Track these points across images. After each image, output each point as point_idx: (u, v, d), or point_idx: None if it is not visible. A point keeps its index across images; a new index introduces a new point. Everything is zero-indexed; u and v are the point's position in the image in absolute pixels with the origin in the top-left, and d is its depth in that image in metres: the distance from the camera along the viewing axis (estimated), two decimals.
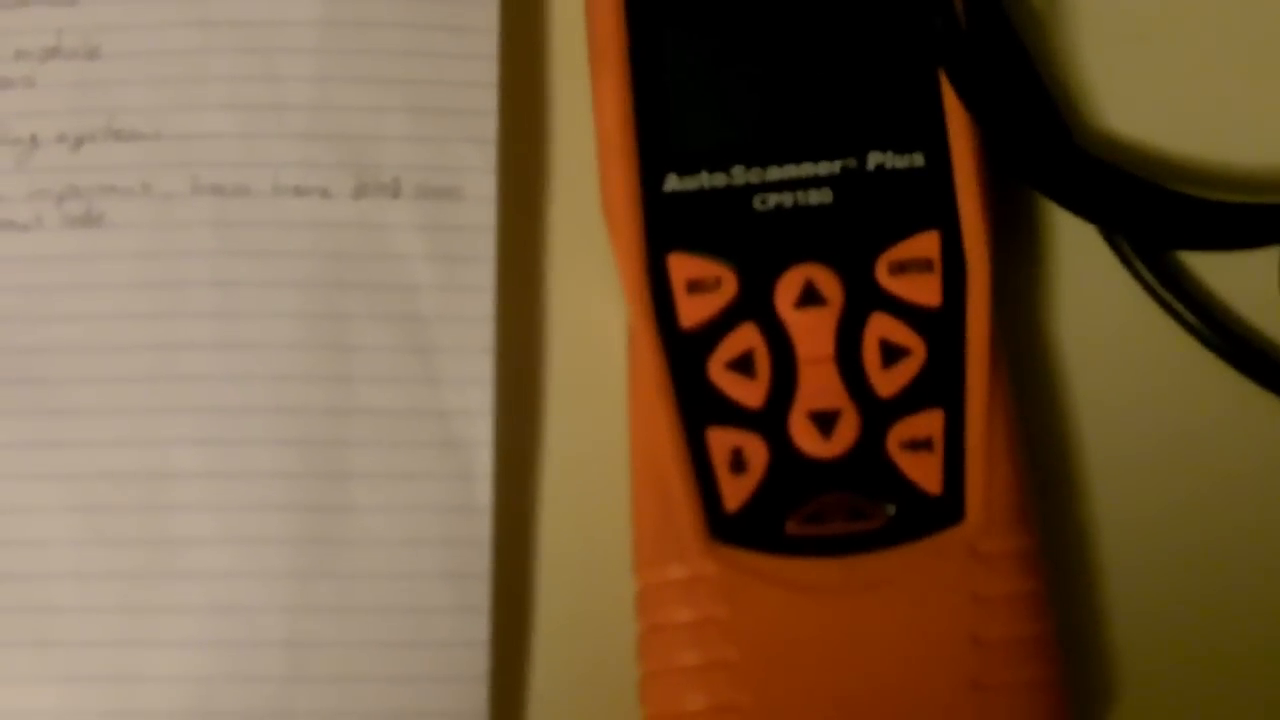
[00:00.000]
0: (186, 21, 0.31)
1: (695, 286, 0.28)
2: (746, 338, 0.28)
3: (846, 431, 0.28)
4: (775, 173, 0.29)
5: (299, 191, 0.30)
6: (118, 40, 0.31)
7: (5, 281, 0.30)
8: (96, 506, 0.29)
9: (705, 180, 0.29)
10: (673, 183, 0.29)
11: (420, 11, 0.31)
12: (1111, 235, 0.30)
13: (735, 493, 0.27)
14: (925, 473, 0.27)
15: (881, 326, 0.28)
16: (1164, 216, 0.29)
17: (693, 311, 0.28)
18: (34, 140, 0.31)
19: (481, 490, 0.29)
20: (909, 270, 0.28)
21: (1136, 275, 0.30)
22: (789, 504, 0.27)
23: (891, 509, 0.27)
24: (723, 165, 0.29)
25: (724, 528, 0.27)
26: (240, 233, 0.30)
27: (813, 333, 0.28)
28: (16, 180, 0.30)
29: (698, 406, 0.28)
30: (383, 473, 0.29)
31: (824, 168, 0.29)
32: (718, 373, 0.28)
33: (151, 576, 0.29)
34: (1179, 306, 0.30)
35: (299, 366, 0.29)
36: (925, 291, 0.28)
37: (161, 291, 0.30)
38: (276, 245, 0.30)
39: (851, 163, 0.29)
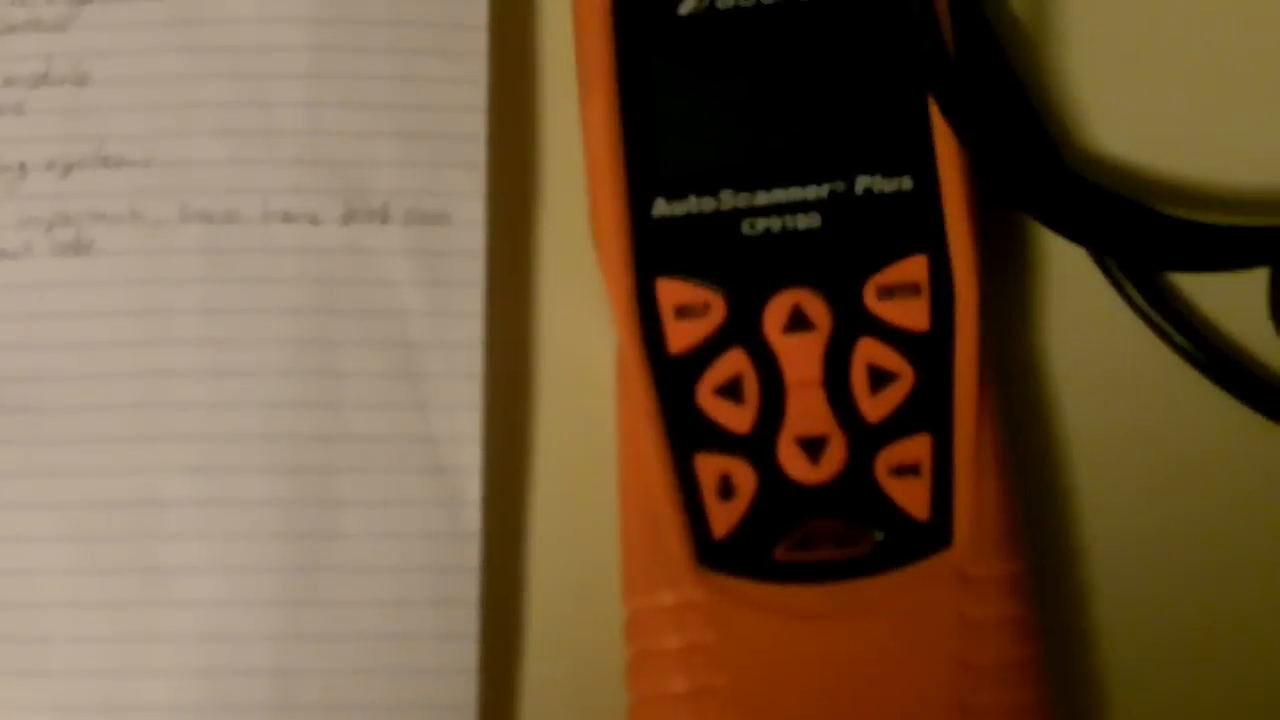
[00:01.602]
0: (176, 48, 0.31)
1: (683, 311, 0.28)
2: (735, 363, 0.28)
3: (834, 457, 0.28)
4: (763, 197, 0.29)
5: (288, 218, 0.30)
6: (107, 67, 0.31)
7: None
8: (86, 535, 0.29)
9: (693, 205, 0.29)
10: (661, 207, 0.29)
11: (409, 37, 0.31)
12: (1100, 257, 0.30)
13: (723, 519, 0.27)
14: (913, 498, 0.27)
15: (869, 351, 0.28)
16: (1153, 238, 0.29)
17: (681, 337, 0.28)
18: (23, 167, 0.31)
19: (470, 516, 0.29)
20: (897, 294, 0.28)
21: (1125, 297, 0.30)
22: (777, 530, 0.27)
23: (879, 535, 0.27)
24: (711, 190, 0.29)
25: (712, 554, 0.27)
26: (230, 259, 0.30)
27: (801, 358, 0.28)
28: (6, 207, 0.30)
29: (686, 432, 0.28)
30: (372, 499, 0.29)
31: (812, 192, 0.29)
32: (706, 398, 0.28)
33: (141, 605, 0.29)
34: (1168, 328, 0.30)
35: (288, 393, 0.29)
36: (913, 316, 0.28)
37: (151, 318, 0.30)
38: (266, 271, 0.30)
39: (839, 187, 0.29)
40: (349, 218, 0.30)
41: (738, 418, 0.28)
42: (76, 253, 0.30)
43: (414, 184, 0.30)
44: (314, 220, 0.30)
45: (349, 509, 0.29)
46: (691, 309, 0.28)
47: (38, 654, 0.28)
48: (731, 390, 0.28)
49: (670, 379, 0.28)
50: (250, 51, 0.31)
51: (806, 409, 0.28)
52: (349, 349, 0.30)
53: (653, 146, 0.29)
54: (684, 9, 0.30)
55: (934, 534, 0.27)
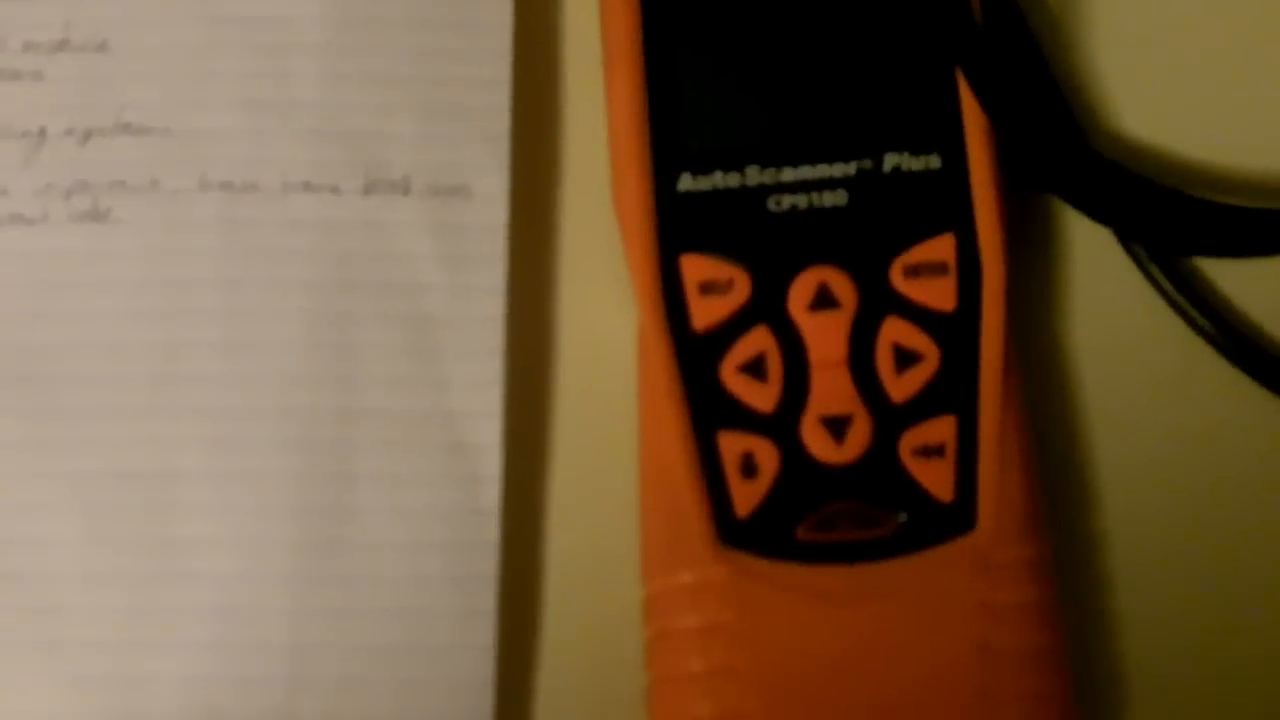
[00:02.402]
0: (196, 17, 0.31)
1: (707, 288, 0.28)
2: (759, 341, 0.28)
3: (858, 437, 0.27)
4: (790, 174, 0.28)
5: (308, 188, 0.30)
6: (127, 34, 0.31)
7: (11, 277, 0.30)
8: (101, 506, 0.29)
9: (719, 180, 0.29)
10: (686, 183, 0.29)
11: (432, 8, 0.31)
12: (1127, 240, 0.30)
13: (746, 498, 0.27)
14: (937, 480, 0.27)
15: (895, 330, 0.28)
16: (1180, 221, 0.29)
17: (705, 313, 0.28)
18: (42, 134, 0.30)
19: (489, 493, 0.29)
20: (923, 274, 0.28)
21: (1151, 280, 0.30)
22: (800, 510, 0.27)
23: (903, 516, 0.27)
24: (737, 165, 0.29)
25: (734, 533, 0.27)
26: (248, 230, 0.30)
27: (826, 336, 0.28)
28: (24, 174, 0.30)
29: (708, 410, 0.28)
30: (389, 475, 0.29)
31: (839, 169, 0.28)
32: (729, 376, 0.28)
33: (157, 578, 0.28)
34: (1194, 312, 0.30)
35: (306, 367, 0.29)
36: (940, 295, 0.28)
37: (168, 289, 0.30)
38: (284, 243, 0.30)
39: (867, 164, 0.28)
40: (370, 189, 0.30)
41: (761, 396, 0.28)
42: (94, 220, 0.30)
43: (436, 157, 0.30)
44: (335, 191, 0.30)
45: (366, 484, 0.29)
46: (716, 285, 0.28)
47: (53, 625, 0.28)
48: (755, 368, 0.28)
49: (693, 356, 0.28)
50: (271, 21, 0.31)
51: (831, 388, 0.27)
52: (367, 323, 0.29)
53: (678, 121, 0.29)
54: None
55: (957, 516, 0.27)
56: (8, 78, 0.31)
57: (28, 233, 0.30)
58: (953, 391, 0.27)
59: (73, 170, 0.30)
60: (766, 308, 0.28)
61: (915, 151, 0.28)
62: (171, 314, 0.29)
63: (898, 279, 0.28)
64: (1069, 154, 0.29)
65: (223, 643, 0.28)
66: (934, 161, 0.28)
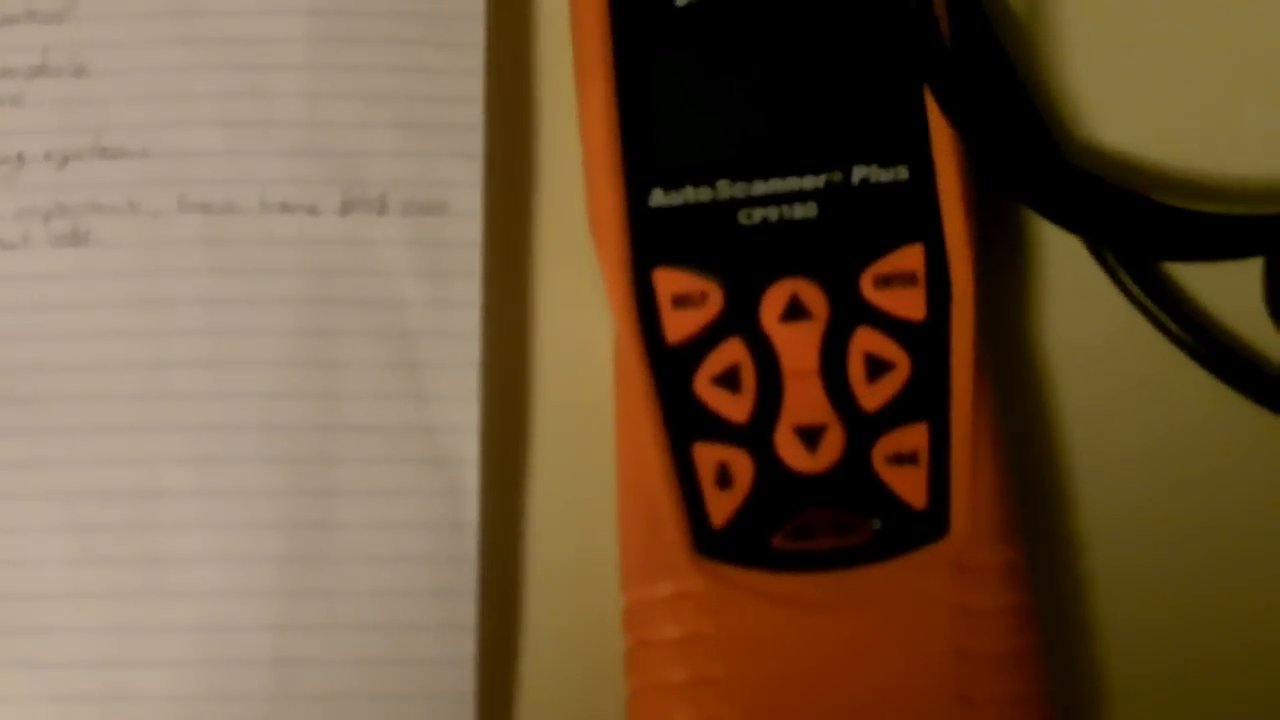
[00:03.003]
0: (174, 39, 0.31)
1: (681, 301, 0.28)
2: (732, 352, 0.28)
3: (832, 446, 0.28)
4: (760, 187, 0.29)
5: (286, 208, 0.30)
6: (105, 58, 0.31)
7: None
8: (85, 525, 0.29)
9: (690, 195, 0.29)
10: (658, 197, 0.29)
11: (407, 28, 0.31)
12: (1097, 246, 0.30)
13: (721, 508, 0.28)
14: (910, 486, 0.27)
15: (866, 340, 0.28)
16: (1149, 228, 0.29)
17: (678, 326, 0.28)
18: (21, 158, 0.31)
19: (468, 506, 0.29)
20: (893, 284, 0.28)
21: (1122, 286, 0.30)
22: (775, 519, 0.27)
23: (877, 523, 0.27)
24: (708, 180, 0.29)
25: (710, 543, 0.27)
26: (228, 250, 0.30)
27: (798, 347, 0.28)
28: (3, 198, 0.30)
29: (684, 421, 0.28)
30: (370, 489, 0.29)
31: (809, 182, 0.29)
32: (704, 387, 0.28)
33: (140, 595, 0.29)
34: (1164, 317, 0.30)
35: (287, 384, 0.29)
36: (910, 305, 0.28)
37: (149, 309, 0.30)
38: (264, 262, 0.30)
39: (836, 176, 0.29)
40: (347, 208, 0.30)
41: (735, 407, 0.28)
42: (74, 243, 0.30)
43: (412, 174, 0.30)
44: (312, 211, 0.30)
45: (347, 499, 0.29)
46: (689, 298, 0.28)
47: (37, 644, 0.28)
48: (729, 380, 0.28)
49: (668, 369, 0.28)
50: (248, 42, 0.31)
51: (804, 398, 0.28)
52: (347, 339, 0.30)
53: (650, 136, 0.29)
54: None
55: (931, 522, 0.27)
56: None
57: (7, 256, 0.30)
58: (924, 399, 0.28)
59: (52, 194, 0.30)
60: (739, 320, 0.28)
61: (884, 163, 0.29)
62: (153, 333, 0.30)
63: (868, 289, 0.28)
64: (1037, 162, 0.30)
65: (206, 659, 0.28)
66: (902, 173, 0.29)
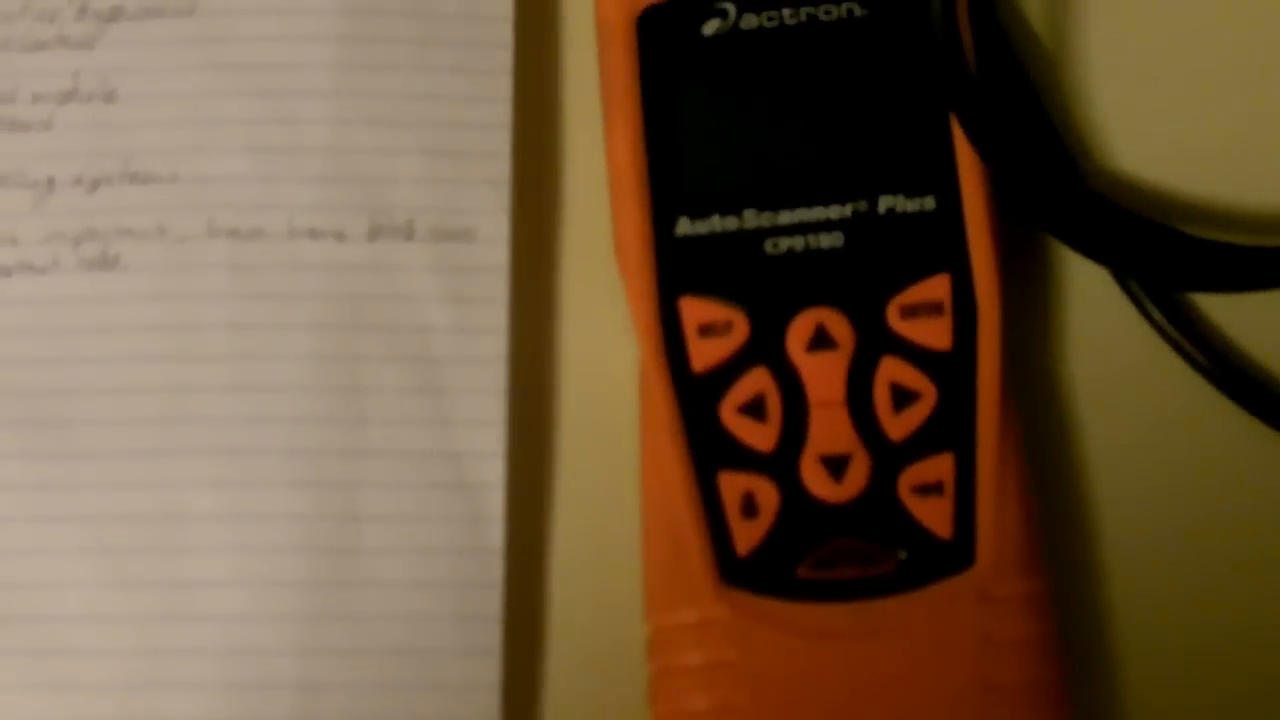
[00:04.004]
0: (203, 65, 0.31)
1: (707, 330, 0.28)
2: (758, 381, 0.28)
3: (857, 475, 0.28)
4: (786, 216, 0.29)
5: (314, 234, 0.30)
6: (134, 83, 0.31)
7: (22, 324, 0.30)
8: (112, 549, 0.29)
9: (717, 224, 0.29)
10: (684, 226, 0.29)
11: (434, 55, 0.31)
12: (1122, 277, 0.30)
13: (746, 537, 0.28)
14: (936, 517, 0.27)
15: (892, 370, 0.28)
16: (1175, 259, 0.29)
17: (704, 355, 0.28)
18: (51, 183, 0.31)
19: (493, 532, 0.29)
20: (920, 314, 0.28)
21: (1147, 316, 0.30)
22: (800, 548, 0.27)
23: (903, 554, 0.27)
24: (734, 209, 0.29)
25: (735, 572, 0.27)
26: (255, 275, 0.30)
27: (824, 376, 0.28)
28: (33, 222, 0.31)
29: (709, 450, 0.28)
30: (395, 515, 0.29)
31: (835, 211, 0.29)
32: (729, 416, 0.28)
33: (166, 618, 0.29)
34: (1190, 348, 0.30)
35: (313, 409, 0.30)
36: (936, 335, 0.28)
37: (177, 334, 0.30)
38: (291, 287, 0.30)
39: (862, 206, 0.29)
40: (374, 234, 0.30)
41: (761, 436, 0.28)
42: (103, 268, 0.30)
43: (439, 201, 0.30)
44: (340, 237, 0.30)
45: (372, 524, 0.29)
46: (714, 327, 0.28)
47: (63, 667, 0.29)
48: (755, 409, 0.28)
49: (693, 397, 0.28)
50: (276, 69, 0.31)
51: (829, 428, 0.28)
52: (373, 365, 0.30)
53: (676, 165, 0.29)
54: (708, 29, 0.30)
55: (957, 553, 0.27)
56: (17, 128, 0.31)
57: (37, 280, 0.30)
58: (950, 429, 0.28)
59: (81, 218, 0.31)
60: (765, 349, 0.28)
61: (910, 193, 0.29)
62: (180, 358, 0.30)
63: (894, 319, 0.28)
64: (1063, 192, 0.30)
65: (232, 682, 0.28)
66: (929, 203, 0.29)
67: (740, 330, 0.28)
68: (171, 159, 0.31)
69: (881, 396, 0.28)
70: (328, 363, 0.30)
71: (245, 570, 0.29)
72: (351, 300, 0.30)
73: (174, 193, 0.31)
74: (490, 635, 0.28)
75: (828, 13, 0.30)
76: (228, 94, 0.31)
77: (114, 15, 0.32)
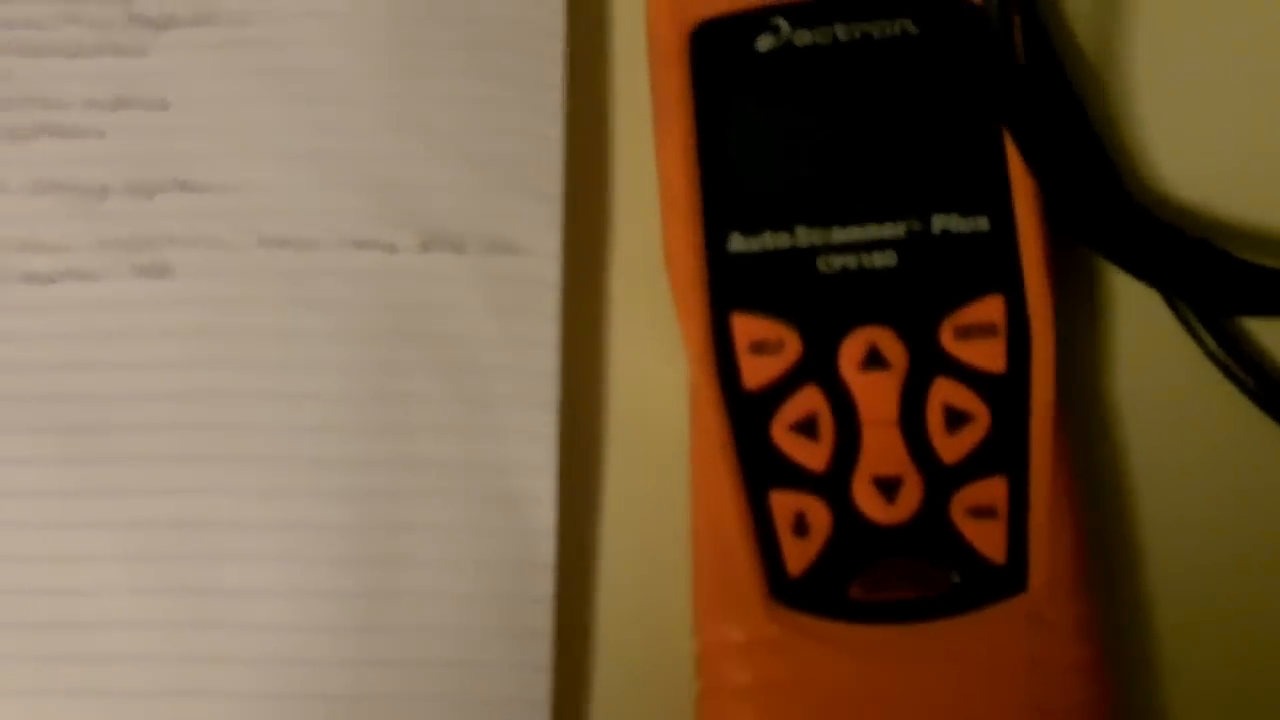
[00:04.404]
0: (255, 73, 0.31)
1: (758, 347, 0.28)
2: (810, 400, 0.28)
3: (910, 497, 0.28)
4: (839, 234, 0.29)
5: (365, 245, 0.30)
6: (187, 91, 0.31)
7: (71, 330, 0.30)
8: (154, 555, 0.29)
9: (769, 241, 0.29)
10: (737, 243, 0.29)
11: (487, 67, 0.31)
12: (1172, 299, 0.30)
13: (798, 556, 0.28)
14: (989, 540, 0.27)
15: (945, 391, 0.28)
16: (1225, 281, 0.29)
17: (756, 372, 0.28)
18: (103, 190, 0.31)
19: (543, 546, 0.29)
20: (973, 335, 0.28)
21: (1197, 339, 0.30)
22: (852, 569, 0.27)
23: (955, 576, 0.27)
24: (787, 226, 0.29)
25: (786, 591, 0.27)
26: (305, 285, 0.30)
27: (876, 396, 0.28)
28: (85, 228, 0.31)
29: (760, 468, 0.28)
30: (442, 526, 0.29)
31: (888, 230, 0.29)
32: (781, 434, 0.28)
33: (207, 626, 0.29)
34: (1239, 371, 0.30)
35: (362, 419, 0.30)
36: (989, 357, 0.28)
37: (226, 341, 0.30)
38: (341, 297, 0.30)
39: (916, 225, 0.29)
40: (426, 246, 0.30)
41: (813, 455, 0.28)
42: (154, 275, 0.30)
43: (490, 214, 0.30)
44: (390, 249, 0.30)
45: (419, 535, 0.29)
46: (766, 345, 0.28)
47: (100, 674, 0.29)
48: (807, 427, 0.28)
49: (745, 415, 0.28)
50: (330, 77, 0.31)
51: (882, 448, 0.28)
52: (422, 376, 0.30)
53: (729, 181, 0.29)
54: (761, 45, 0.30)
55: (1009, 577, 0.27)
56: (70, 134, 0.31)
57: (88, 286, 0.30)
58: (1003, 453, 0.28)
59: (133, 225, 0.31)
60: (817, 367, 0.28)
61: (964, 213, 0.29)
62: (228, 365, 0.30)
63: (947, 340, 0.28)
64: (1115, 213, 0.30)
65: (273, 692, 0.28)
66: (982, 223, 0.29)
67: (792, 348, 0.28)
68: (223, 167, 0.31)
69: (934, 418, 0.28)
70: (376, 373, 0.30)
71: (289, 580, 0.29)
72: (401, 311, 0.30)
73: (225, 201, 0.31)
74: (540, 650, 0.28)
75: (882, 30, 0.30)
76: (278, 102, 0.31)
77: (166, 23, 0.32)
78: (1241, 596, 0.29)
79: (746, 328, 0.29)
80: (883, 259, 0.29)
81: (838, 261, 0.29)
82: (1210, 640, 0.29)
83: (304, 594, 0.29)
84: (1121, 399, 0.30)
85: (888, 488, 0.28)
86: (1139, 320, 0.30)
